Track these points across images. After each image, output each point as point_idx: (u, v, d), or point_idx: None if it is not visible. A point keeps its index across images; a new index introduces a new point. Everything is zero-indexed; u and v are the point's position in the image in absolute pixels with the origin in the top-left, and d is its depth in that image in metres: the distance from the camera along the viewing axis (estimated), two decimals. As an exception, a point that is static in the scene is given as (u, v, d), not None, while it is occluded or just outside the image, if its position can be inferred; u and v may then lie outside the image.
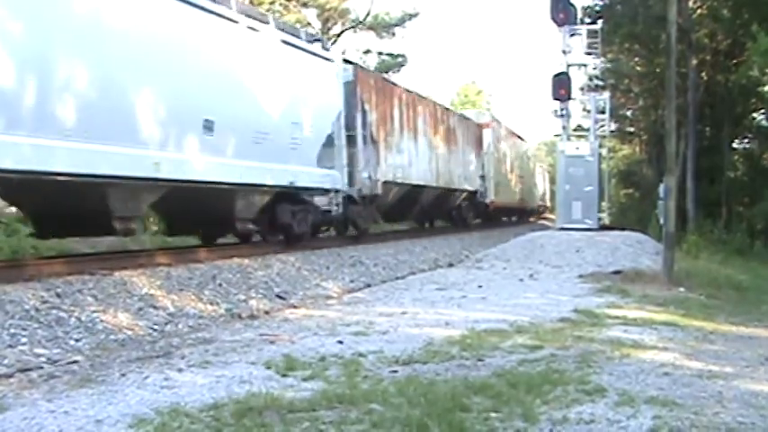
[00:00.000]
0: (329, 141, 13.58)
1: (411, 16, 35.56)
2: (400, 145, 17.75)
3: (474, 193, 25.31)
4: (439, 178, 20.97)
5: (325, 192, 13.43)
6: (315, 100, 12.91)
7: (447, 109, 22.89)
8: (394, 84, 19.51)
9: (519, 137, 36.60)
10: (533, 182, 41.98)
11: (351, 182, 14.72)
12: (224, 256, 10.89)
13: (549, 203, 49.24)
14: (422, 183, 19.43)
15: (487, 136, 27.48)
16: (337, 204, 13.69)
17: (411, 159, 18.55)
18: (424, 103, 20.54)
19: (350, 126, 14.72)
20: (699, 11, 25.51)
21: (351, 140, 14.79)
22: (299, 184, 12.33)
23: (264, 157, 11.27)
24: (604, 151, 28.89)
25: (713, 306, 9.72)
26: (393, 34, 35.67)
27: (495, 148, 28.40)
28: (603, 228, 20.06)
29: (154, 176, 8.89)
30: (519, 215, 38.19)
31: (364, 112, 15.50)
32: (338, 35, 33.64)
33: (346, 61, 15.86)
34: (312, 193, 13.10)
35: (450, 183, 22.22)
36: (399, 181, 17.57)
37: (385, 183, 16.44)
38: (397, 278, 12.97)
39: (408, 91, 19.80)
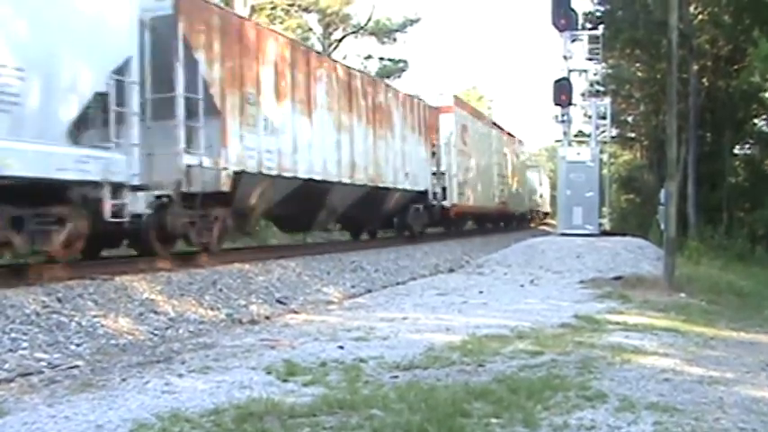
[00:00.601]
0: (101, 104, 8.36)
1: (412, 21, 35.73)
2: (275, 121, 11.98)
3: (423, 193, 19.47)
4: (355, 172, 15.09)
5: (104, 187, 8.19)
6: (63, 34, 7.81)
7: (374, 80, 17.18)
8: (265, 29, 13.18)
9: (504, 130, 32.93)
10: (523, 184, 37.68)
11: (163, 170, 9.70)
12: (225, 261, 10.90)
13: (549, 209, 48.64)
14: (319, 177, 13.47)
15: (448, 123, 22.28)
16: (121, 206, 8.38)
17: (298, 143, 12.68)
18: (330, 67, 14.50)
19: (160, 85, 9.74)
20: (700, 16, 25.59)
21: (162, 107, 9.80)
22: (17, 172, 7.18)
23: None
24: (605, 157, 28.75)
25: (714, 312, 9.72)
26: (394, 39, 35.80)
27: (462, 140, 23.58)
28: (604, 233, 20.05)
29: None
30: (501, 222, 33.29)
31: (194, 65, 10.04)
32: (339, 40, 33.79)
33: None
34: (83, 188, 8.09)
35: (377, 179, 16.23)
36: (273, 173, 11.92)
37: (244, 174, 11.14)
38: (398, 283, 12.98)
39: (297, 44, 14.02)
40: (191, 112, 10.00)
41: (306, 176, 13.00)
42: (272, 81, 12.03)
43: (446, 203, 21.37)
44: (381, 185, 16.59)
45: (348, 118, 14.99)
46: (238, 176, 10.95)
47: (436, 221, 21.73)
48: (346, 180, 14.72)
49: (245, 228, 12.88)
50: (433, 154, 20.65)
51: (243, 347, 6.61)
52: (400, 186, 17.79)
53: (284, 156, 12.29)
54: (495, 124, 31.37)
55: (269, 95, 11.91)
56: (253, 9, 25.60)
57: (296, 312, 9.27)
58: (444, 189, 21.24)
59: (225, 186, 10.65)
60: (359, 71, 17.03)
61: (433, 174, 20.41)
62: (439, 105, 21.78)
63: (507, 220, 33.98)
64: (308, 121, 13.20)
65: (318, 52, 16.07)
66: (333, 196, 14.59)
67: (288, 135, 12.44)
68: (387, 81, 19.19)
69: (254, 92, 11.46)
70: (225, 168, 10.63)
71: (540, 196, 46.25)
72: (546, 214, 48.92)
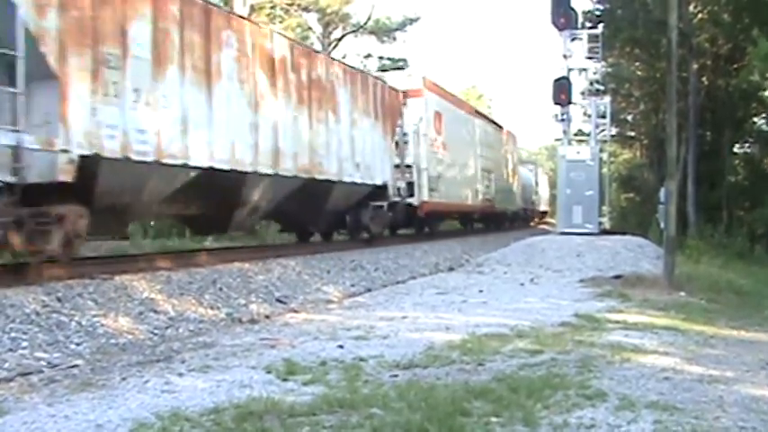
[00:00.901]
0: None
1: (412, 20, 35.81)
2: (153, 92, 9.10)
3: (382, 188, 16.17)
4: (280, 161, 12.00)
5: None
6: None
7: (309, 50, 14.33)
8: None
9: (492, 121, 30.69)
10: (515, 181, 35.30)
11: None
12: (225, 260, 10.89)
13: (546, 207, 48.29)
14: (225, 166, 10.53)
15: (417, 109, 19.14)
16: None
17: (189, 122, 9.74)
18: (241, 29, 11.17)
19: None
20: (699, 15, 25.59)
21: None
22: None
23: None
24: (605, 156, 28.63)
25: (714, 310, 9.72)
26: (394, 39, 35.87)
27: (435, 129, 20.76)
28: (604, 232, 20.04)
29: None
30: (491, 223, 30.42)
31: (9, 10, 7.17)
32: (339, 39, 33.80)
33: None
34: None
35: (313, 170, 13.13)
36: (149, 158, 9.00)
37: (103, 161, 8.31)
38: (398, 282, 12.97)
39: None
40: (7, 75, 7.28)
41: (202, 165, 10.01)
42: (149, 40, 9.05)
43: (414, 201, 18.56)
44: (320, 177, 13.42)
45: (271, 94, 11.84)
46: (93, 163, 8.17)
47: (402, 222, 18.76)
48: (266, 170, 11.66)
49: (121, 229, 10.33)
50: (397, 144, 17.50)
51: (243, 346, 6.61)
52: (348, 179, 14.51)
53: (167, 137, 9.33)
54: (479, 113, 28.64)
55: (143, 59, 8.95)
56: (252, 8, 25.60)
57: (296, 311, 9.26)
58: (411, 184, 18.38)
59: (65, 175, 7.76)
60: (288, 37, 13.77)
61: (396, 166, 17.30)
62: (406, 88, 18.49)
63: (496, 221, 30.91)
64: (205, 94, 10.16)
65: (235, 13, 12.36)
66: (250, 190, 11.61)
67: (173, 111, 9.49)
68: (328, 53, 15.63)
69: (118, 53, 8.55)
70: (65, 151, 7.75)
71: (536, 194, 44.58)
72: (544, 213, 48.49)
